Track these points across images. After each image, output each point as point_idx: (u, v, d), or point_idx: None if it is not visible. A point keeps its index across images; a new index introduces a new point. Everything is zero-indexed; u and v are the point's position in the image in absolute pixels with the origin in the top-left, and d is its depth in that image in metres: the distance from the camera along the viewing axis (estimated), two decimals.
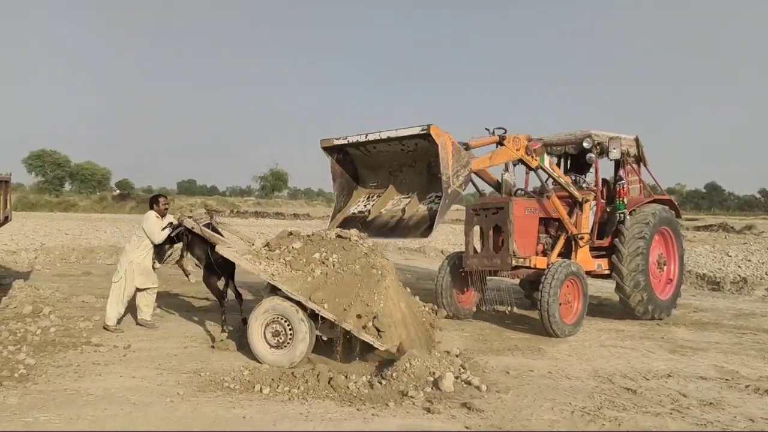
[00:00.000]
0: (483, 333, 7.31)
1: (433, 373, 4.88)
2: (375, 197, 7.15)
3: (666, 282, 8.68)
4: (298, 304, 5.30)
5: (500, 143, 7.21)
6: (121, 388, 4.64)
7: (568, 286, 7.16)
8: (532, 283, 7.98)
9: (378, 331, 5.12)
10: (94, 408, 4.18)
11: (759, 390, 5.01)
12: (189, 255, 6.85)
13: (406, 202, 6.81)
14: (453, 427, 4.02)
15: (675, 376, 5.42)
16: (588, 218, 8.14)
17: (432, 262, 15.57)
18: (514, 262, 7.35)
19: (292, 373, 4.96)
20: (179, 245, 6.89)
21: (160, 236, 6.78)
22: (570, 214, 8.04)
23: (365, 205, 7.13)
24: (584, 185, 8.69)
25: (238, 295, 6.96)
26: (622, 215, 8.01)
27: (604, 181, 8.73)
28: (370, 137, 6.61)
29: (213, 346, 6.07)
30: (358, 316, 5.10)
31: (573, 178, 8.66)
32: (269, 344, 5.46)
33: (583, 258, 7.99)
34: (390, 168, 7.11)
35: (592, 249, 8.22)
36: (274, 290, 5.61)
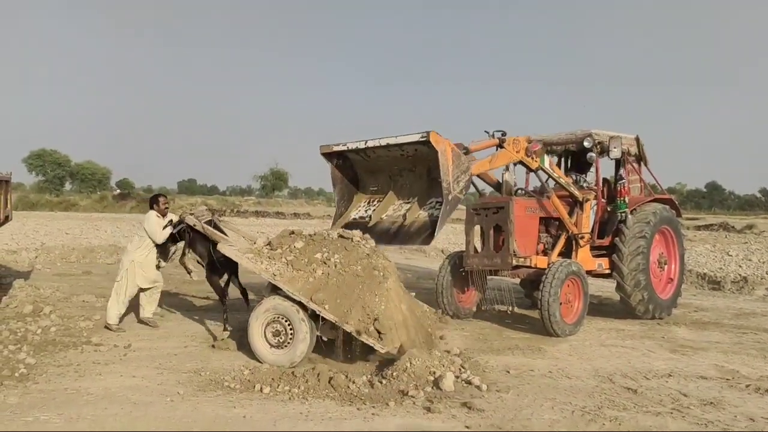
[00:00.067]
0: (483, 332, 7.31)
1: (434, 373, 4.87)
2: (375, 202, 7.15)
3: (666, 281, 8.68)
4: (299, 304, 5.29)
5: (500, 146, 7.21)
6: (122, 388, 4.64)
7: (568, 286, 7.16)
8: (533, 282, 7.97)
9: (379, 333, 5.11)
10: (94, 407, 4.19)
11: (759, 389, 5.00)
12: (191, 253, 6.85)
13: (406, 208, 6.81)
14: (453, 426, 4.02)
15: (675, 375, 5.42)
16: (588, 217, 8.14)
17: (432, 261, 15.58)
18: (514, 262, 7.35)
19: (293, 372, 4.96)
20: (182, 243, 6.89)
21: (162, 235, 6.78)
22: (570, 213, 8.03)
23: (366, 211, 7.13)
24: (585, 184, 8.68)
25: (244, 293, 6.93)
26: (623, 214, 8.00)
27: (605, 180, 8.72)
28: (370, 144, 6.61)
29: (213, 346, 6.07)
30: (359, 318, 5.10)
31: (573, 177, 8.66)
32: (270, 344, 5.46)
33: (584, 257, 7.99)
34: (390, 172, 7.11)
35: (592, 248, 8.21)
36: (275, 289, 5.61)
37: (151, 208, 6.95)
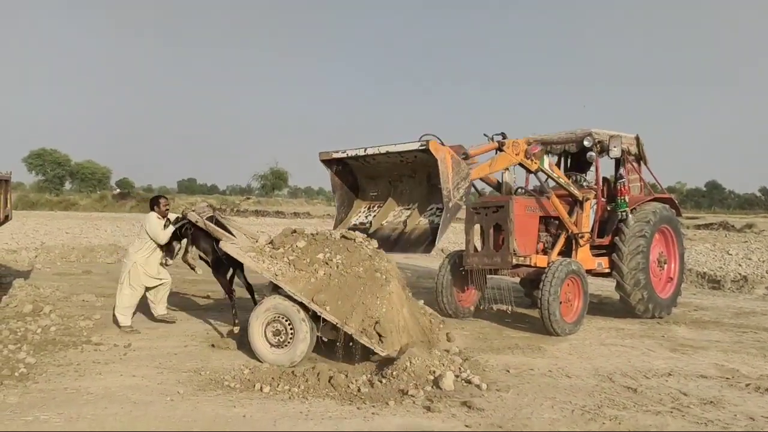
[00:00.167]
0: (483, 331, 7.31)
1: (434, 372, 4.87)
2: (376, 208, 7.14)
3: (666, 280, 8.68)
4: (300, 303, 5.28)
5: (499, 149, 7.21)
6: (122, 387, 4.65)
7: (568, 285, 7.16)
8: (533, 281, 7.98)
9: (379, 336, 5.10)
10: (94, 407, 4.19)
11: (759, 388, 5.00)
12: (194, 249, 6.83)
13: (407, 214, 6.80)
14: (453, 425, 4.02)
15: (675, 374, 5.42)
16: (588, 217, 8.14)
17: (432, 260, 15.56)
18: (514, 261, 7.35)
19: (293, 371, 4.96)
20: (185, 241, 6.88)
21: (164, 235, 6.78)
22: (570, 212, 8.03)
23: (366, 216, 7.12)
24: (585, 184, 8.68)
25: (249, 288, 6.90)
26: (623, 214, 8.01)
27: (605, 179, 8.73)
28: (369, 151, 6.59)
29: (213, 345, 6.07)
30: (360, 321, 5.09)
31: (573, 176, 8.66)
32: (270, 343, 5.45)
33: (584, 256, 7.99)
34: (390, 178, 7.10)
35: (592, 247, 8.22)
36: (275, 288, 5.60)
37: (152, 209, 6.95)
